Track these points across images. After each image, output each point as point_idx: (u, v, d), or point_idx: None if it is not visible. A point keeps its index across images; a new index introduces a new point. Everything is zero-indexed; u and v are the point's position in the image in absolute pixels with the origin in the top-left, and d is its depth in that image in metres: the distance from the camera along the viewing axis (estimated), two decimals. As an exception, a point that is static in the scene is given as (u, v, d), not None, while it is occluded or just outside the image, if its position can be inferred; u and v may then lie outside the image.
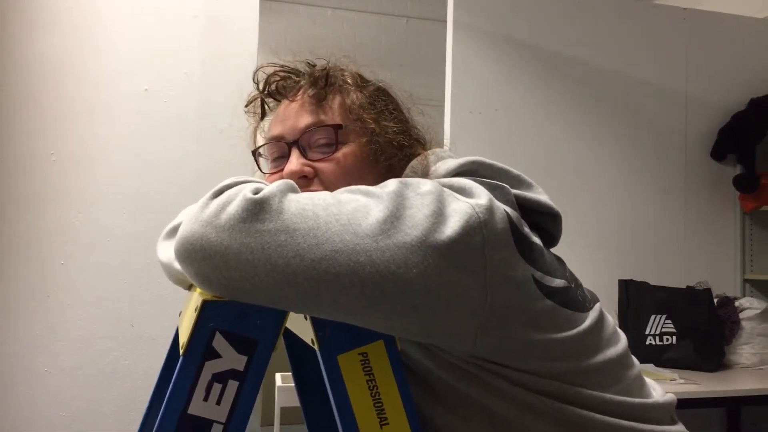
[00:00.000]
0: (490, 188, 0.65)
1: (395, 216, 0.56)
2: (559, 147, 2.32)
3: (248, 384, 0.57)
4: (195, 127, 1.82)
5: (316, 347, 0.59)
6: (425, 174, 0.75)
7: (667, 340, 2.10)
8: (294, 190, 0.59)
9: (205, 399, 0.56)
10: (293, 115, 0.79)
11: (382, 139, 0.77)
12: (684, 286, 2.19)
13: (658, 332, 2.11)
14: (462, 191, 0.62)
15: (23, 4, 1.73)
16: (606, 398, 0.64)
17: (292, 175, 0.75)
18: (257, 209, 0.55)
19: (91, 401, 1.69)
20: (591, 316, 0.67)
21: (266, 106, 0.86)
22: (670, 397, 0.74)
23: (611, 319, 0.74)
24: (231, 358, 0.57)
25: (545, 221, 0.73)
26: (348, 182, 0.66)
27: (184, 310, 0.69)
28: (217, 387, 0.56)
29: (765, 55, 2.55)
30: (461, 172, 0.70)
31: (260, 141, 0.85)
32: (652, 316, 2.12)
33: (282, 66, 0.84)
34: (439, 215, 0.57)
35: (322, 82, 0.79)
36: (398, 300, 0.55)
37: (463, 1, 2.24)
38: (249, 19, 1.88)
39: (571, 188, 2.32)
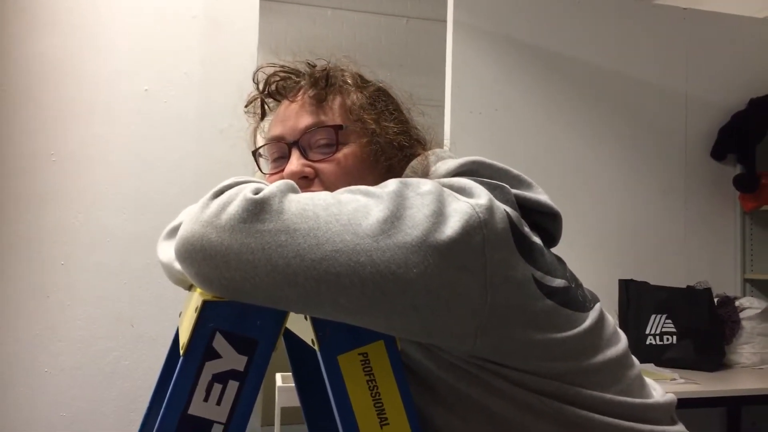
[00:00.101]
0: (490, 188, 0.65)
1: (395, 216, 0.56)
2: (559, 147, 2.32)
3: (248, 384, 0.57)
4: (195, 127, 1.82)
5: (316, 347, 0.59)
6: (425, 174, 0.75)
7: (668, 339, 2.10)
8: (294, 191, 0.59)
9: (206, 399, 0.56)
10: (293, 115, 0.79)
11: (382, 140, 0.77)
12: (684, 286, 2.19)
13: (658, 332, 2.11)
14: (462, 191, 0.62)
15: (23, 4, 1.73)
16: (606, 398, 0.65)
17: (292, 176, 0.75)
18: (258, 209, 0.55)
19: (91, 401, 1.69)
20: (591, 316, 0.67)
21: (266, 107, 0.86)
22: (670, 397, 0.74)
23: (611, 319, 0.74)
24: (231, 359, 0.57)
25: (545, 221, 0.73)
26: (348, 183, 0.66)
27: (184, 311, 0.69)
28: (217, 387, 0.56)
29: (765, 55, 2.55)
30: (461, 172, 0.70)
31: (260, 141, 0.85)
32: (653, 316, 2.12)
33: (282, 66, 0.84)
34: (439, 215, 0.57)
35: (323, 83, 0.79)
36: (398, 300, 0.55)
37: (463, 1, 2.24)
38: (249, 19, 1.88)
39: (571, 188, 2.32)
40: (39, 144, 1.72)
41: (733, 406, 2.35)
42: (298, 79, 0.82)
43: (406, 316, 0.57)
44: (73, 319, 1.70)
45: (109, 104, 1.77)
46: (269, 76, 0.83)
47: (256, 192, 0.56)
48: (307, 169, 0.76)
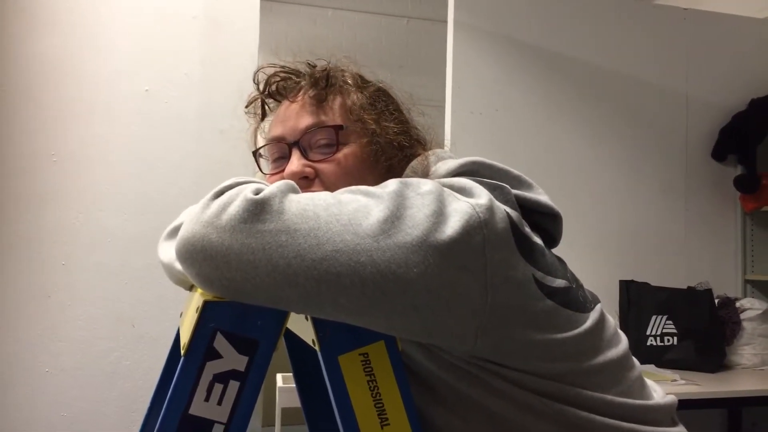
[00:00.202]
0: (491, 188, 0.65)
1: (396, 216, 0.56)
2: (560, 147, 2.32)
3: (249, 384, 0.57)
4: (195, 127, 1.83)
5: (316, 348, 0.59)
6: (425, 174, 0.75)
7: (668, 340, 2.09)
8: (295, 191, 0.59)
9: (207, 399, 0.56)
10: (294, 115, 0.79)
11: (382, 140, 0.77)
12: (685, 287, 2.19)
13: (659, 333, 2.11)
14: (462, 191, 0.62)
15: (23, 3, 1.73)
16: (606, 399, 0.64)
17: (292, 176, 0.75)
18: (258, 210, 0.55)
19: (92, 402, 1.70)
20: (592, 317, 0.67)
21: (267, 107, 0.86)
22: (670, 398, 0.74)
23: (612, 320, 0.74)
24: (232, 359, 0.57)
25: (545, 222, 0.73)
26: (348, 183, 0.66)
27: (185, 311, 0.69)
28: (218, 387, 0.56)
29: (765, 56, 2.55)
30: (461, 172, 0.70)
31: (261, 142, 0.85)
32: (653, 317, 2.12)
33: (282, 67, 0.84)
34: (439, 215, 0.57)
35: (323, 83, 0.79)
36: (399, 300, 0.55)
37: (463, 2, 2.24)
38: (249, 20, 1.88)
39: (572, 189, 2.32)
40: (40, 144, 1.72)
41: (734, 407, 2.35)
42: (298, 80, 0.82)
43: (406, 316, 0.57)
44: (74, 320, 1.70)
45: (110, 104, 1.77)
46: (269, 77, 0.83)
47: (257, 192, 0.56)
48: (308, 170, 0.76)
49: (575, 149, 2.34)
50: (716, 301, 2.15)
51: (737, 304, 2.19)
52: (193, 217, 0.57)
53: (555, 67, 2.33)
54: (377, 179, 0.69)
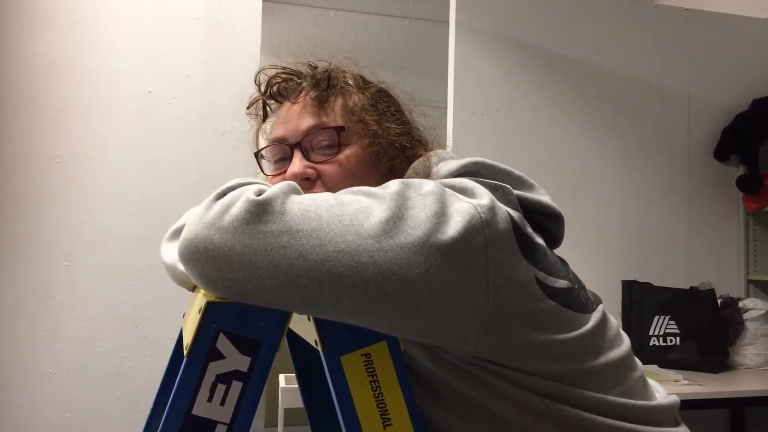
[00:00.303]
0: (492, 189, 0.65)
1: (397, 216, 0.56)
2: (562, 148, 2.32)
3: (252, 385, 0.57)
4: (197, 128, 1.83)
5: (319, 348, 0.59)
6: (427, 175, 0.75)
7: (671, 341, 2.09)
8: (297, 192, 0.59)
9: (209, 400, 0.56)
10: (295, 117, 0.79)
11: (384, 141, 0.77)
12: (687, 287, 2.19)
13: (661, 333, 2.10)
14: (464, 191, 0.62)
15: (23, 3, 1.74)
16: (608, 400, 0.64)
17: (294, 177, 0.75)
18: (260, 211, 0.55)
19: (95, 402, 1.70)
20: (594, 318, 0.67)
21: (268, 108, 0.86)
22: (673, 398, 0.74)
23: (614, 321, 0.73)
24: (235, 359, 0.57)
25: (547, 222, 0.73)
26: (350, 184, 0.66)
27: (187, 312, 0.69)
28: (221, 388, 0.56)
29: (767, 56, 2.55)
30: (463, 173, 0.70)
31: (262, 143, 0.85)
32: (656, 317, 2.12)
33: (284, 68, 0.84)
34: (441, 215, 0.57)
35: (324, 84, 0.79)
36: (401, 300, 0.55)
37: (465, 2, 2.24)
38: (251, 21, 1.89)
39: (574, 189, 2.31)
40: (41, 144, 1.72)
41: (737, 407, 2.35)
42: (300, 81, 0.82)
43: (408, 316, 0.57)
44: (76, 320, 1.71)
45: (112, 105, 1.77)
46: (271, 78, 0.84)
47: (259, 193, 0.57)
48: (309, 171, 0.76)
49: (577, 150, 2.34)
50: (719, 301, 2.14)
51: (740, 305, 2.19)
52: (196, 218, 0.57)
53: (557, 68, 2.33)
54: (379, 180, 0.69)
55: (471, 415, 0.64)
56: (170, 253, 0.75)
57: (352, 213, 0.56)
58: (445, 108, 2.23)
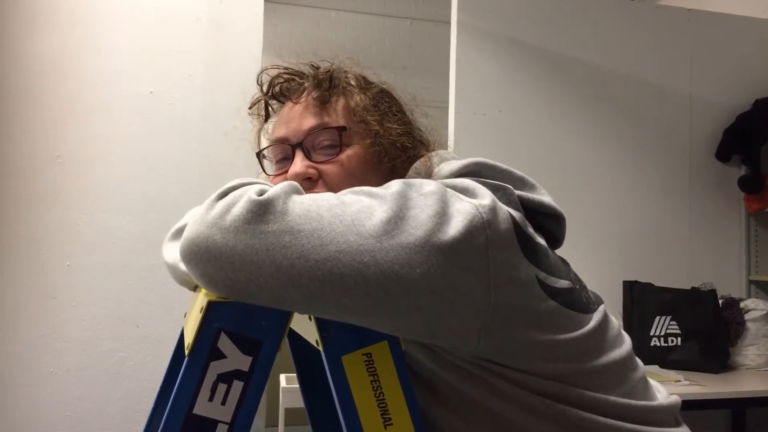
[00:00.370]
0: (493, 189, 0.65)
1: (399, 216, 0.56)
2: (563, 148, 2.32)
3: (253, 384, 0.57)
4: (199, 129, 1.83)
5: (320, 348, 0.59)
6: (428, 175, 0.75)
7: (672, 341, 2.09)
8: (298, 192, 0.59)
9: (210, 399, 0.56)
10: (297, 117, 0.79)
11: (385, 141, 0.77)
12: (689, 288, 2.18)
13: (662, 333, 2.10)
14: (465, 192, 0.62)
15: (23, 3, 1.74)
16: (609, 400, 0.64)
17: (296, 177, 0.75)
18: (262, 210, 0.55)
19: (96, 402, 1.70)
20: (595, 318, 0.67)
21: (270, 108, 0.86)
22: (674, 399, 0.74)
23: (615, 321, 0.73)
24: (236, 359, 0.57)
25: (549, 223, 0.73)
26: (352, 184, 0.66)
27: (189, 311, 0.69)
28: (222, 387, 0.57)
29: (769, 56, 2.55)
30: (464, 173, 0.70)
31: (264, 143, 0.86)
32: (657, 318, 2.11)
33: (286, 68, 0.84)
34: (442, 215, 0.57)
35: (326, 84, 0.80)
36: (402, 300, 0.55)
37: (467, 3, 2.24)
38: (253, 22, 1.89)
39: (575, 189, 2.31)
40: (43, 145, 1.73)
41: (738, 408, 2.34)
42: (301, 81, 0.82)
43: (410, 316, 0.57)
44: (77, 320, 1.71)
45: (113, 105, 1.78)
46: (273, 78, 0.84)
47: (261, 193, 0.57)
48: (311, 171, 0.76)
49: (578, 150, 2.34)
50: (720, 301, 2.14)
51: (741, 305, 2.18)
52: (198, 218, 0.57)
53: (558, 68, 2.33)
54: (380, 180, 0.69)
55: (472, 415, 0.64)
56: (172, 252, 0.75)
57: (353, 213, 0.56)
58: (447, 108, 2.23)
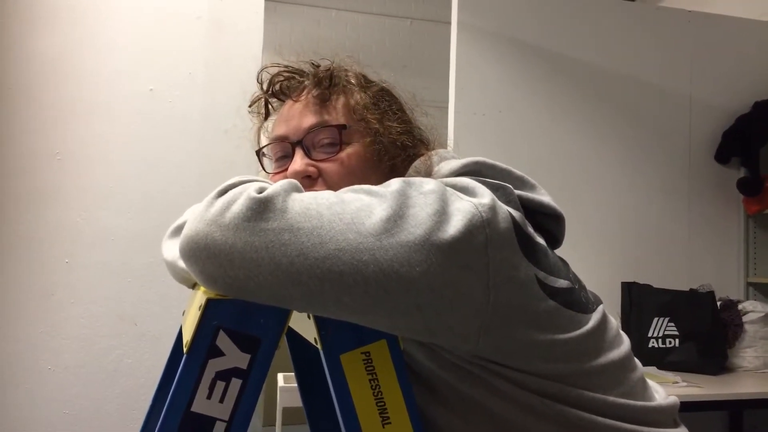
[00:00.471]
0: (493, 188, 0.65)
1: (398, 215, 0.56)
2: (563, 149, 2.32)
3: (251, 382, 0.57)
4: (199, 127, 1.83)
5: (318, 346, 0.59)
6: (428, 174, 0.75)
7: (670, 342, 2.09)
8: (298, 190, 0.59)
9: (209, 397, 0.56)
10: (297, 115, 0.79)
11: (385, 140, 0.77)
12: (687, 289, 2.19)
13: (660, 335, 2.10)
14: (465, 190, 0.62)
15: (24, 2, 1.73)
16: (608, 401, 0.64)
17: (296, 175, 0.75)
18: (261, 208, 0.55)
19: (94, 399, 1.70)
20: (594, 318, 0.67)
21: (270, 106, 0.86)
22: (672, 399, 0.74)
23: (614, 322, 0.74)
24: (234, 357, 0.57)
25: (548, 223, 0.73)
26: (351, 182, 0.66)
27: (187, 309, 0.69)
28: (220, 385, 0.57)
29: (769, 58, 2.55)
30: (464, 172, 0.70)
31: (264, 141, 0.85)
32: (655, 319, 2.12)
33: (286, 66, 0.84)
34: (442, 214, 0.57)
35: (326, 83, 0.80)
36: (402, 299, 0.55)
37: (467, 3, 2.24)
38: (253, 21, 1.89)
39: (575, 190, 2.32)
40: (43, 143, 1.72)
41: (735, 409, 2.35)
42: (301, 79, 0.82)
43: (409, 315, 0.57)
44: (76, 318, 1.71)
45: (113, 104, 1.77)
46: (273, 76, 0.84)
47: (260, 191, 0.57)
48: (311, 169, 0.76)
49: (578, 150, 2.34)
50: (718, 303, 2.14)
51: (739, 307, 2.18)
52: (197, 216, 0.57)
53: (558, 69, 2.33)
54: (380, 179, 0.69)
55: (471, 414, 0.64)
56: (171, 250, 0.75)
57: (353, 211, 0.56)
58: (447, 108, 2.23)
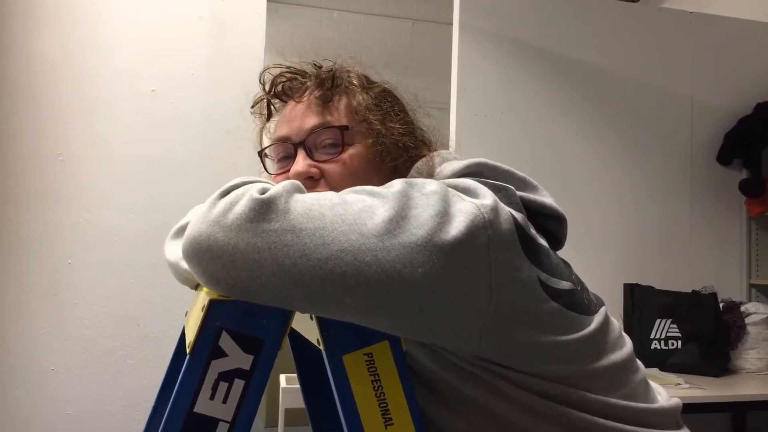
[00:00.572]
0: (495, 189, 0.65)
1: (400, 216, 0.56)
2: (565, 150, 2.32)
3: (254, 383, 0.57)
4: (201, 128, 1.83)
5: (321, 347, 0.59)
6: (430, 175, 0.75)
7: (673, 344, 2.09)
8: (300, 191, 0.59)
9: (212, 398, 0.56)
10: (299, 116, 0.79)
11: (387, 141, 0.77)
12: (689, 291, 2.18)
13: (663, 336, 2.10)
14: (467, 191, 0.62)
15: (24, 2, 1.74)
16: (610, 403, 0.64)
17: (298, 176, 0.75)
18: (264, 209, 0.55)
19: (97, 400, 1.70)
20: (596, 320, 0.67)
21: (272, 107, 0.86)
22: (675, 401, 0.74)
23: (616, 323, 0.73)
24: (237, 357, 0.57)
25: (550, 224, 0.73)
26: (354, 183, 0.66)
27: (190, 310, 0.69)
28: (223, 386, 0.57)
29: (772, 59, 2.54)
30: (466, 173, 0.70)
31: (266, 142, 0.86)
32: (657, 321, 2.11)
33: (288, 67, 0.84)
34: (444, 215, 0.57)
35: (329, 84, 0.80)
36: (404, 300, 0.55)
37: (469, 4, 2.24)
38: (255, 22, 1.89)
39: (577, 191, 2.31)
40: (44, 143, 1.72)
41: (738, 411, 2.34)
42: (304, 80, 0.82)
43: (411, 316, 0.57)
44: (79, 318, 1.71)
45: (114, 104, 1.78)
46: (275, 77, 0.84)
47: (263, 192, 0.57)
48: (313, 170, 0.76)
49: (580, 152, 2.34)
50: (721, 305, 2.14)
51: (742, 309, 2.18)
52: (200, 216, 0.57)
53: (560, 70, 2.33)
54: (382, 180, 0.69)
55: (473, 415, 0.64)
56: (174, 250, 0.75)
57: (355, 212, 0.56)
58: (448, 109, 2.24)
